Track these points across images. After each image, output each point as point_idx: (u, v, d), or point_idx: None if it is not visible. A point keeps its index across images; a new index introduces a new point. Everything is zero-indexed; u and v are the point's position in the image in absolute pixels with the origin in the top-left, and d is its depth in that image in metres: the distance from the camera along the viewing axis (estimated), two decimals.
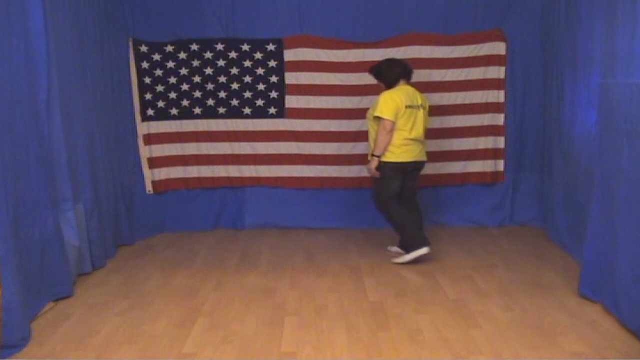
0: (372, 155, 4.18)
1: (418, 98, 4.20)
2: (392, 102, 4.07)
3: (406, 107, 4.10)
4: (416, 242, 4.18)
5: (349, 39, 5.03)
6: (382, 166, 4.17)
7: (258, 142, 5.16)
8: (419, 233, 4.23)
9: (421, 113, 4.20)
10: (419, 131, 4.19)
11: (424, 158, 4.34)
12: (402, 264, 4.18)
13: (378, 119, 4.10)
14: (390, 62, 4.30)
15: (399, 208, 4.23)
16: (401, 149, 4.15)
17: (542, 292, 3.61)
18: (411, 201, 4.36)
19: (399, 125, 4.10)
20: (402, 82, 4.22)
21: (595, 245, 3.34)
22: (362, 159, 5.14)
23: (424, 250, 4.16)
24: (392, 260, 4.24)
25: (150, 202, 5.14)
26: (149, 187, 5.13)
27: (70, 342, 3.02)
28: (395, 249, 4.46)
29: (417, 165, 4.30)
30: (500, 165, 5.19)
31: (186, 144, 5.16)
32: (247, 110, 5.12)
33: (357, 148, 5.12)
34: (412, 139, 4.15)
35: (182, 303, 3.55)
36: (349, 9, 5.01)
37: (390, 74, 4.23)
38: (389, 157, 4.16)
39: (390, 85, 4.22)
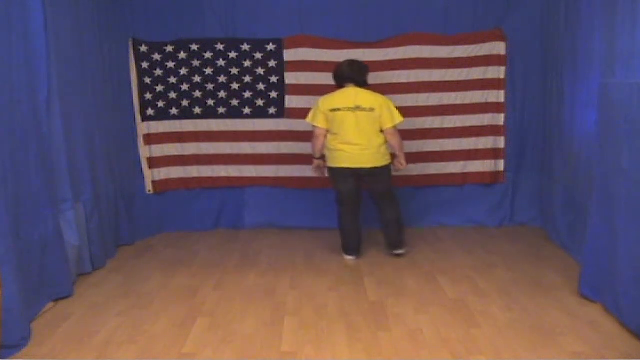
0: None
1: (358, 100, 4.03)
2: (315, 108, 4.14)
3: (330, 110, 4.06)
4: (344, 248, 4.40)
5: (349, 39, 5.01)
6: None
7: (258, 142, 5.16)
8: (346, 242, 4.37)
9: (355, 116, 4.01)
10: (354, 135, 4.03)
11: (369, 164, 4.08)
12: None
13: None
14: (339, 65, 4.26)
15: (344, 213, 4.29)
16: (332, 154, 4.14)
17: (542, 292, 3.61)
18: (380, 203, 4.31)
19: (331, 129, 4.10)
20: (349, 85, 4.14)
21: (595, 245, 3.34)
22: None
23: (348, 258, 4.36)
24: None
25: (150, 202, 5.13)
26: (149, 187, 5.13)
27: (70, 342, 3.02)
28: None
29: (359, 172, 4.10)
30: (500, 165, 5.19)
31: (186, 144, 5.16)
32: (247, 110, 5.12)
33: None
34: (344, 144, 4.07)
35: (182, 303, 3.55)
36: (349, 9, 5.00)
37: (335, 78, 4.27)
38: (328, 162, 4.23)
39: (338, 87, 4.22)
